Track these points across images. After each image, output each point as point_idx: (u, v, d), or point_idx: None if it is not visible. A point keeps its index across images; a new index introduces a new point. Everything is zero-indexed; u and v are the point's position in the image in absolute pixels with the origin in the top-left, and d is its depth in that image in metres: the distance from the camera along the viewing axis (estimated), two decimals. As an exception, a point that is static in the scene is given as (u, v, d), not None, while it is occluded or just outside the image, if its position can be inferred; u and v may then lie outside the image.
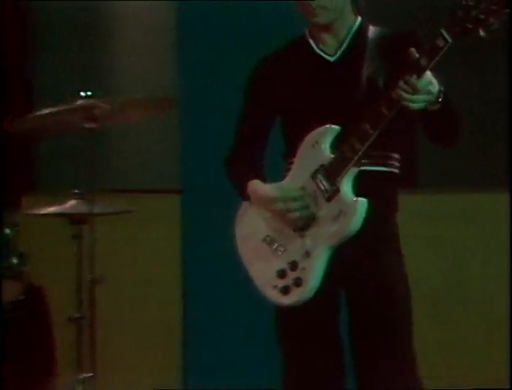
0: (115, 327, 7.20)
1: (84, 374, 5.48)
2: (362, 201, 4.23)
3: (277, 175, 4.84)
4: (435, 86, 4.17)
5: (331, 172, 4.32)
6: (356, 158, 4.28)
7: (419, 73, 4.14)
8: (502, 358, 7.21)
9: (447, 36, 4.12)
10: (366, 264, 4.45)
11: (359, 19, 4.52)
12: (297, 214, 4.44)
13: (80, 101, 5.39)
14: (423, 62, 4.16)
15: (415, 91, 4.11)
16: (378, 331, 4.47)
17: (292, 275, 4.39)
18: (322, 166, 4.34)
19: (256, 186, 4.52)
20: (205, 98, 7.67)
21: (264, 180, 4.54)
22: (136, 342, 7.56)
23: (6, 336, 6.02)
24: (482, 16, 4.15)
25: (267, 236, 4.50)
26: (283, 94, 4.61)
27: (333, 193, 4.30)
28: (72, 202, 5.40)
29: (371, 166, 4.35)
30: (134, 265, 7.53)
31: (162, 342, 7.58)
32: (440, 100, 4.20)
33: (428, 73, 4.13)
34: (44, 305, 6.22)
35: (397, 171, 4.43)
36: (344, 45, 4.51)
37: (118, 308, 7.13)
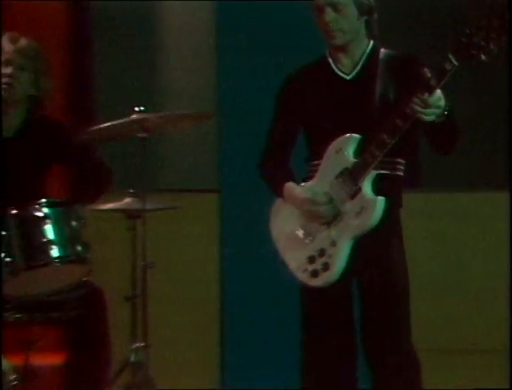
0: (154, 325, 6.52)
1: (138, 344, 5.72)
2: (381, 199, 4.53)
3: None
4: (442, 101, 4.46)
5: (355, 174, 4.60)
6: (375, 162, 4.57)
7: (431, 91, 4.43)
8: (502, 350, 6.98)
9: (454, 61, 4.43)
10: (376, 250, 4.77)
11: (372, 42, 4.81)
12: (323, 213, 4.74)
13: (134, 116, 5.62)
14: (434, 82, 4.45)
15: (427, 106, 4.41)
16: (384, 306, 4.79)
17: (320, 261, 4.67)
18: (346, 169, 4.61)
19: (291, 188, 4.80)
20: (243, 100, 7.52)
21: (294, 179, 4.84)
22: (174, 341, 7.39)
23: (71, 311, 5.91)
24: (483, 43, 4.43)
25: (299, 227, 4.78)
26: (307, 108, 4.89)
27: (356, 192, 4.59)
28: (128, 200, 5.61)
29: (381, 170, 4.66)
30: (173, 262, 7.35)
31: (200, 341, 7.46)
32: (445, 113, 4.49)
33: (438, 91, 4.43)
34: (100, 301, 6.12)
35: (401, 173, 4.75)
36: (359, 66, 4.79)
37: (156, 306, 6.49)
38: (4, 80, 5.88)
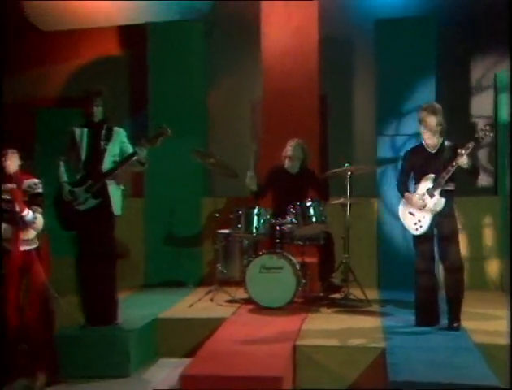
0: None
1: (345, 255, 6.01)
2: (443, 199, 5.03)
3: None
4: (467, 160, 4.85)
5: (432, 190, 5.03)
6: (441, 185, 5.00)
7: (462, 156, 4.84)
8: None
9: (471, 145, 4.82)
10: (444, 218, 5.07)
11: (442, 137, 5.12)
12: (419, 205, 5.01)
13: (345, 166, 6.02)
14: (464, 152, 4.83)
15: (461, 162, 4.84)
16: (448, 243, 5.06)
17: (418, 224, 5.12)
18: (429, 188, 5.07)
19: (407, 195, 5.20)
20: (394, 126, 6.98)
21: (409, 191, 5.18)
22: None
23: (320, 241, 6.08)
24: (484, 136, 4.83)
25: (410, 211, 5.18)
26: (415, 164, 5.19)
27: (433, 196, 5.04)
28: (342, 199, 5.94)
29: (445, 187, 5.02)
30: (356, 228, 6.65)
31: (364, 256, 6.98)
32: (471, 164, 4.90)
33: (465, 156, 4.83)
34: (331, 238, 6.24)
35: (453, 188, 5.10)
36: (437, 147, 5.11)
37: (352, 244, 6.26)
38: (289, 153, 6.34)
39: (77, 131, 5.20)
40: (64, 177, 5.20)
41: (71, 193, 5.13)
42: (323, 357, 4.83)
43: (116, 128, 5.28)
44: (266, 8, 7.23)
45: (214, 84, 7.58)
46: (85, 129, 5.20)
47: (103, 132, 5.17)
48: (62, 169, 5.21)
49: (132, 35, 7.66)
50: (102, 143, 5.13)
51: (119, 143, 5.23)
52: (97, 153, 5.14)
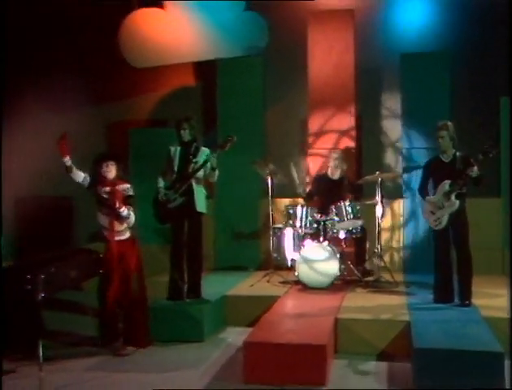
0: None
1: (375, 248, 6.03)
2: (457, 201, 5.00)
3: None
4: (477, 170, 4.80)
5: (449, 193, 5.01)
6: (457, 190, 4.97)
7: (473, 167, 4.80)
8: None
9: (481, 157, 4.77)
10: (458, 216, 5.05)
11: (454, 150, 5.07)
12: (438, 206, 5.01)
13: (376, 174, 6.01)
14: (474, 164, 4.79)
15: (472, 171, 4.80)
16: (461, 236, 5.04)
17: (438, 221, 5.09)
18: (445, 191, 5.03)
19: (428, 197, 5.19)
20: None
21: (428, 194, 5.14)
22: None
23: (355, 235, 5.99)
24: (492, 150, 4.72)
25: (431, 210, 5.15)
26: (433, 172, 5.16)
27: (449, 199, 5.02)
28: (371, 201, 6.01)
29: (458, 191, 4.99)
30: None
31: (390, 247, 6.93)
32: (479, 173, 4.83)
33: (475, 167, 4.78)
34: (365, 232, 6.14)
35: (465, 191, 5.06)
36: (450, 157, 5.08)
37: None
38: (331, 163, 6.27)
39: (172, 149, 5.44)
40: (161, 183, 5.41)
41: (166, 195, 5.32)
42: (359, 328, 4.85)
43: (203, 148, 5.44)
44: (311, 45, 7.29)
45: (270, 106, 7.67)
46: (178, 148, 5.42)
47: (192, 149, 5.37)
48: (160, 178, 5.42)
49: (204, 69, 7.78)
50: (190, 157, 5.32)
51: (203, 158, 5.36)
52: (186, 164, 5.34)
